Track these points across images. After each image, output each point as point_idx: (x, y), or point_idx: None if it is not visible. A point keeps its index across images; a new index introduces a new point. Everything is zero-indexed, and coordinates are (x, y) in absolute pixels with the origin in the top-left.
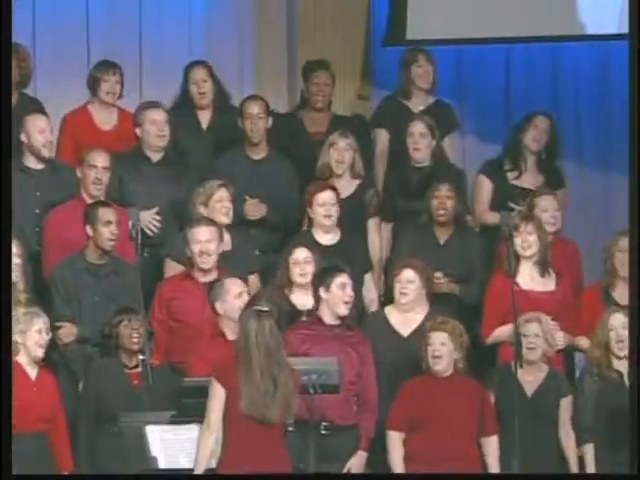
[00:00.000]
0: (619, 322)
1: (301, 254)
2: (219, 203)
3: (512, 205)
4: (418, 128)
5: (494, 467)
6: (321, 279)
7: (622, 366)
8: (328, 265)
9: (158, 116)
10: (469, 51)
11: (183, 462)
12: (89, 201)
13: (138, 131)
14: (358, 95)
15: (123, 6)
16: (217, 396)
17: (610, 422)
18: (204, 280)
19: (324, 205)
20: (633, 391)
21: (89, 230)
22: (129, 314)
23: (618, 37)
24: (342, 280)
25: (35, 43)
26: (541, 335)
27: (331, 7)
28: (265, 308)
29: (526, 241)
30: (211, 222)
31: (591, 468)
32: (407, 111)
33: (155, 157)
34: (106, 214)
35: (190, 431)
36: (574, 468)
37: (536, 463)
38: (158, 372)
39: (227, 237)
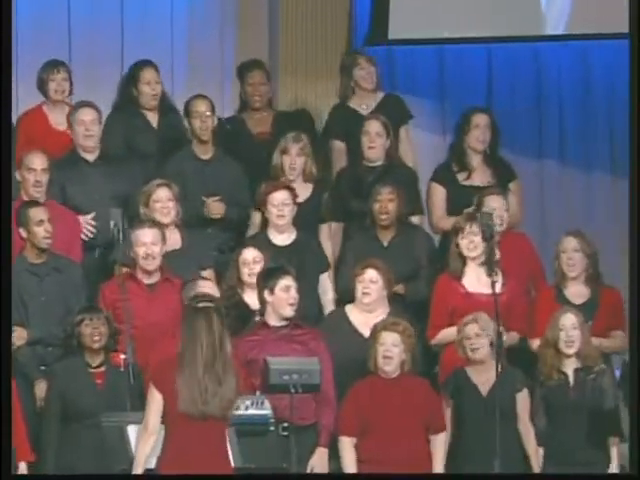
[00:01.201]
0: (569, 322)
1: (249, 254)
2: (158, 203)
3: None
4: (374, 127)
5: (439, 465)
6: (265, 281)
7: (569, 365)
8: (272, 267)
9: (85, 116)
10: (451, 51)
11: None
12: None
13: (69, 132)
14: (339, 95)
15: (105, 6)
16: (154, 400)
17: (558, 422)
18: (148, 282)
19: (277, 205)
20: (633, 391)
21: (22, 232)
22: (90, 313)
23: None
24: (286, 282)
25: (17, 44)
26: (482, 334)
27: (313, 6)
28: (209, 304)
29: (472, 242)
30: (154, 224)
31: (539, 464)
32: (356, 113)
33: (90, 157)
34: (37, 213)
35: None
36: (535, 465)
37: (501, 462)
38: (121, 372)
39: (176, 236)
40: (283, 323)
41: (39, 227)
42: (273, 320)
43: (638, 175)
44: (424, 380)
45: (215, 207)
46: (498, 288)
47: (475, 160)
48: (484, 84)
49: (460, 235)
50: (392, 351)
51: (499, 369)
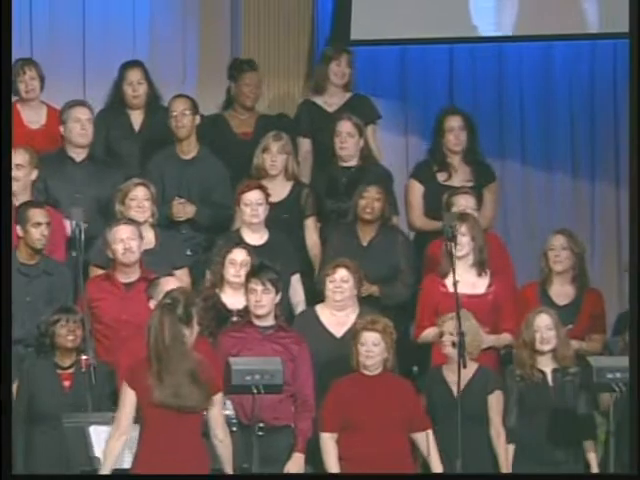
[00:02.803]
0: (544, 323)
1: (239, 255)
2: (134, 201)
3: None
4: (345, 127)
5: (435, 460)
6: (245, 282)
7: (546, 364)
8: (256, 265)
9: (81, 114)
10: (413, 51)
11: (126, 462)
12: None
13: (62, 129)
14: (303, 95)
15: (66, 7)
16: (127, 398)
17: (536, 422)
18: (125, 281)
19: (250, 205)
20: (633, 391)
21: (19, 230)
22: (67, 314)
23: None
24: (251, 286)
25: None
26: (464, 333)
27: (275, 7)
28: (167, 301)
29: (460, 243)
30: (130, 221)
31: (509, 469)
32: (322, 111)
33: (78, 157)
34: (36, 215)
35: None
36: (504, 467)
37: (470, 463)
38: (90, 374)
39: (150, 235)
40: (266, 323)
41: (36, 229)
42: (256, 320)
43: (638, 175)
44: (406, 380)
45: (179, 209)
46: (483, 288)
47: (455, 160)
48: (446, 85)
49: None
50: (373, 351)
51: (461, 368)
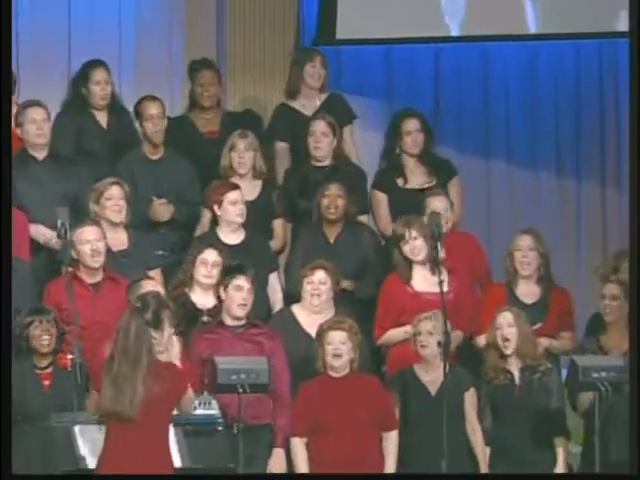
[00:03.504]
0: (505, 321)
1: (211, 255)
2: (110, 201)
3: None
4: (319, 127)
5: (391, 462)
6: (221, 279)
7: (512, 364)
8: (230, 265)
9: (37, 115)
10: (398, 51)
11: (91, 463)
12: None
13: (19, 131)
14: (286, 90)
15: (51, 6)
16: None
17: (505, 422)
18: (92, 281)
19: (236, 203)
20: (633, 391)
21: None
22: (39, 314)
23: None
24: (239, 282)
25: None
26: (434, 332)
27: (261, 6)
28: (137, 305)
29: (414, 247)
30: (94, 222)
31: (484, 469)
32: (300, 115)
33: (40, 155)
34: None
35: (100, 433)
36: (483, 465)
37: (450, 462)
38: (68, 373)
39: (123, 236)
40: (238, 323)
41: None
42: (228, 320)
43: (638, 175)
44: (374, 377)
45: (161, 210)
46: (444, 287)
47: (410, 162)
48: (431, 84)
49: (402, 242)
50: (341, 349)
51: (447, 368)
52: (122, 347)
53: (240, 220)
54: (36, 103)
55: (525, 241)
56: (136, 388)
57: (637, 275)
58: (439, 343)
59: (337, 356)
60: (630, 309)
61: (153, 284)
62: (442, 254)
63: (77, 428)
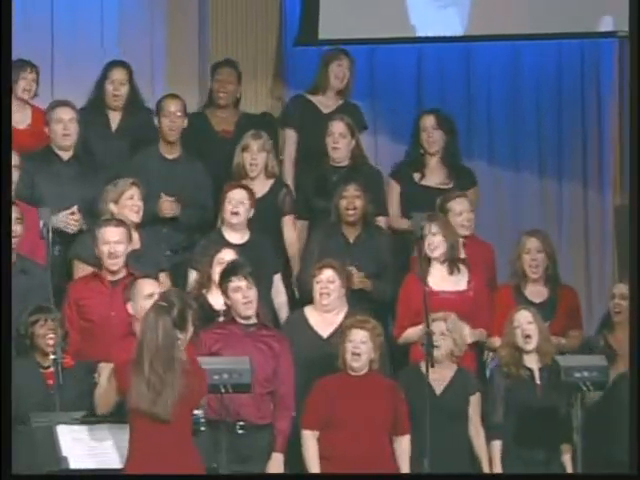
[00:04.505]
0: (524, 318)
1: (228, 255)
2: (130, 201)
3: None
4: (338, 128)
5: (404, 466)
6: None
7: (532, 362)
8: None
9: (64, 114)
10: (381, 51)
11: (93, 463)
12: None
13: (47, 130)
14: (271, 95)
15: (35, 5)
16: (108, 390)
17: (521, 419)
18: (112, 279)
19: (231, 202)
20: (633, 391)
21: None
22: (45, 314)
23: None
24: (235, 284)
25: None
26: (447, 334)
27: (243, 6)
28: (163, 304)
29: (432, 243)
30: (120, 222)
31: (497, 465)
32: (315, 109)
33: (65, 155)
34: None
35: (101, 431)
36: (485, 466)
37: (448, 462)
38: (71, 372)
39: (136, 236)
40: (251, 321)
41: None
42: (239, 319)
43: (638, 176)
44: (392, 381)
45: (167, 206)
46: (464, 285)
47: (431, 161)
48: (414, 84)
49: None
50: (360, 348)
51: (429, 368)
52: (152, 346)
53: (235, 220)
54: (65, 103)
55: (533, 244)
56: (174, 390)
57: (637, 275)
58: (422, 344)
59: (356, 355)
60: (630, 309)
61: (150, 282)
62: (462, 254)
63: (59, 428)
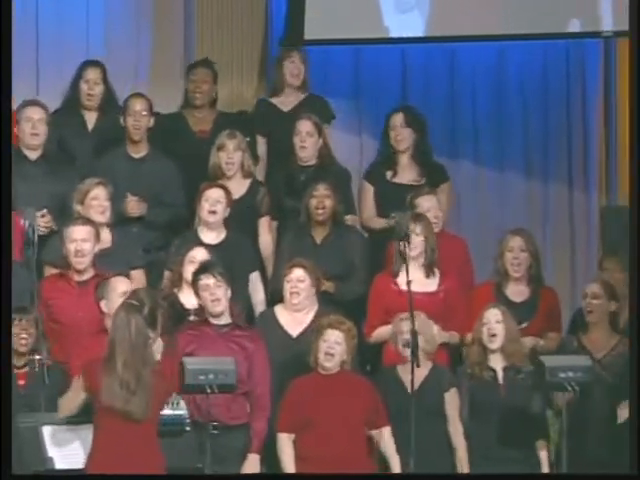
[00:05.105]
0: (493, 317)
1: (200, 254)
2: (95, 201)
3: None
4: (305, 127)
5: (394, 457)
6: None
7: (496, 362)
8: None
9: (34, 114)
10: (366, 51)
11: (78, 463)
12: None
13: (16, 129)
14: (257, 95)
15: (19, 8)
16: (75, 389)
17: (485, 420)
18: (79, 279)
19: (208, 200)
20: (633, 391)
21: None
22: (20, 313)
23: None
24: (204, 282)
25: None
26: (415, 332)
27: (229, 7)
28: (133, 302)
29: (412, 242)
30: (87, 221)
31: (465, 466)
32: (279, 111)
33: (33, 155)
34: None
35: (86, 431)
36: (464, 464)
37: (430, 461)
38: (48, 372)
39: (107, 235)
40: (223, 322)
41: None
42: (212, 319)
43: (638, 177)
44: (364, 377)
45: (133, 205)
46: (434, 287)
47: (402, 159)
48: (399, 84)
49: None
50: (335, 349)
51: (415, 368)
52: (125, 345)
53: (212, 219)
54: (34, 102)
55: (516, 242)
56: (149, 389)
57: (637, 275)
58: (407, 344)
59: (330, 355)
60: (630, 309)
61: (124, 281)
62: (435, 256)
63: (45, 429)
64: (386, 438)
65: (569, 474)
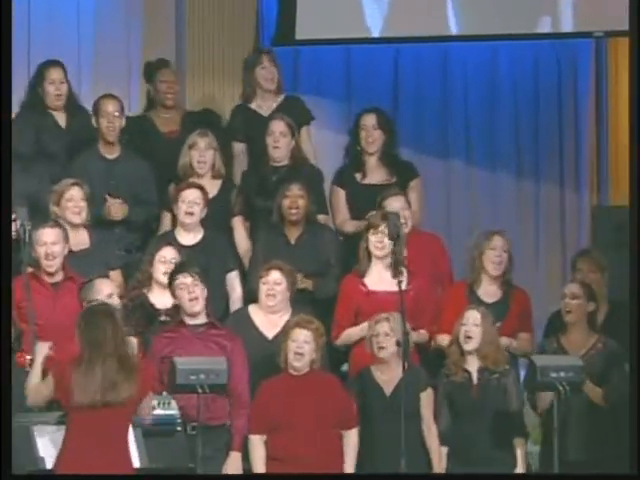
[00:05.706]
0: (472, 319)
1: (169, 254)
2: (70, 202)
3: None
4: (278, 127)
5: (350, 461)
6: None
7: (471, 363)
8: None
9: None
10: (358, 51)
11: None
12: None
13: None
14: (242, 95)
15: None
16: (43, 387)
17: (460, 421)
18: (51, 281)
19: (187, 202)
20: (633, 391)
21: None
22: None
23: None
24: (181, 281)
25: None
26: (391, 334)
27: (219, 6)
28: (104, 303)
29: (381, 241)
30: (56, 224)
31: (441, 464)
32: (257, 115)
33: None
34: None
35: (60, 432)
36: (437, 464)
37: (407, 461)
38: (24, 372)
39: (84, 236)
40: (199, 322)
41: None
42: (188, 319)
43: (638, 178)
44: (333, 376)
45: (115, 209)
46: (403, 286)
47: (370, 160)
48: (390, 85)
49: (372, 231)
50: (303, 348)
51: (405, 368)
52: (104, 346)
53: (189, 220)
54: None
55: (499, 242)
56: (131, 383)
57: (637, 275)
58: (398, 343)
59: (299, 355)
60: (630, 308)
61: (108, 283)
62: (404, 253)
63: (36, 428)
64: (351, 441)
65: (569, 474)
